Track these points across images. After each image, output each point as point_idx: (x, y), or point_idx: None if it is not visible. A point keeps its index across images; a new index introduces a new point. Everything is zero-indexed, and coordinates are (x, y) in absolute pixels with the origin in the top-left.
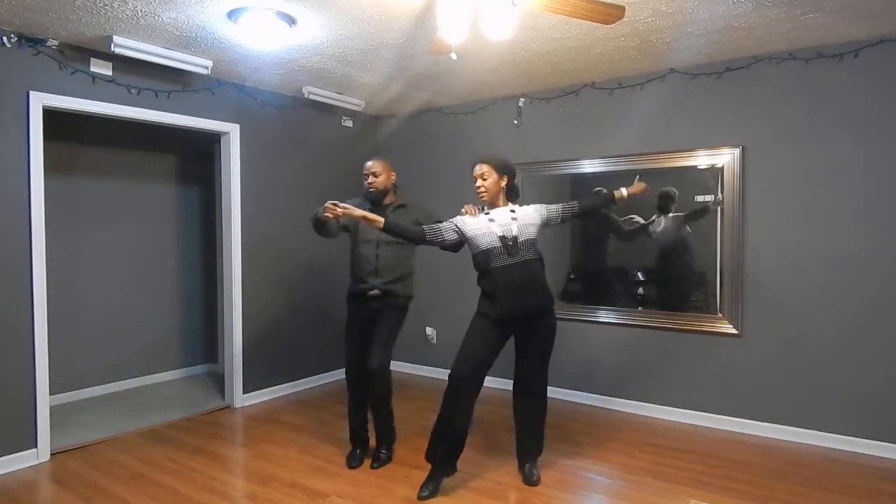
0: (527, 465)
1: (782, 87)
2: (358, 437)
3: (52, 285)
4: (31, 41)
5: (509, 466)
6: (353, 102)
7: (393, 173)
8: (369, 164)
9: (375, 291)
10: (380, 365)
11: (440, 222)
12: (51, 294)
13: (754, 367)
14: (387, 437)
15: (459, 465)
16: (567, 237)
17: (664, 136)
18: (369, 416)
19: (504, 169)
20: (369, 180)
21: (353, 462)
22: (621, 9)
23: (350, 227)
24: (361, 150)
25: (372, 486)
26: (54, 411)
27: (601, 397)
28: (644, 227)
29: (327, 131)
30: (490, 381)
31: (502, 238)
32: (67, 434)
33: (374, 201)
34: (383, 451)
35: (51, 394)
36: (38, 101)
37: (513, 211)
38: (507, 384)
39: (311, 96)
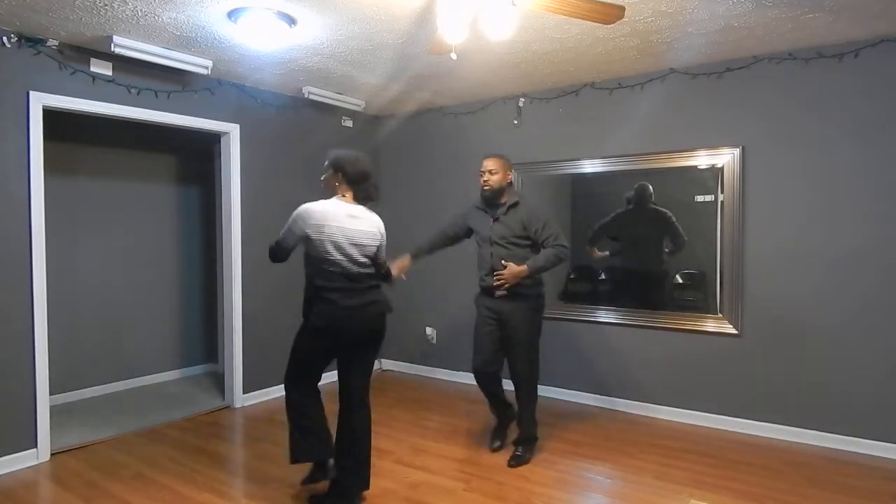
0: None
1: (782, 87)
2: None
3: (52, 285)
4: (31, 41)
5: (510, 466)
6: (353, 102)
7: (510, 172)
8: (486, 161)
9: (502, 292)
10: (520, 373)
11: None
12: (51, 294)
13: (754, 367)
14: (526, 436)
15: (459, 464)
16: (567, 238)
17: (664, 136)
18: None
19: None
20: (484, 178)
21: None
22: (621, 9)
23: (472, 228)
24: (361, 151)
25: (372, 486)
26: (54, 411)
27: (601, 397)
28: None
29: (327, 131)
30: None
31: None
32: (67, 434)
33: (489, 201)
34: (519, 450)
35: (51, 394)
36: (38, 101)
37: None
38: (505, 383)
39: (311, 96)
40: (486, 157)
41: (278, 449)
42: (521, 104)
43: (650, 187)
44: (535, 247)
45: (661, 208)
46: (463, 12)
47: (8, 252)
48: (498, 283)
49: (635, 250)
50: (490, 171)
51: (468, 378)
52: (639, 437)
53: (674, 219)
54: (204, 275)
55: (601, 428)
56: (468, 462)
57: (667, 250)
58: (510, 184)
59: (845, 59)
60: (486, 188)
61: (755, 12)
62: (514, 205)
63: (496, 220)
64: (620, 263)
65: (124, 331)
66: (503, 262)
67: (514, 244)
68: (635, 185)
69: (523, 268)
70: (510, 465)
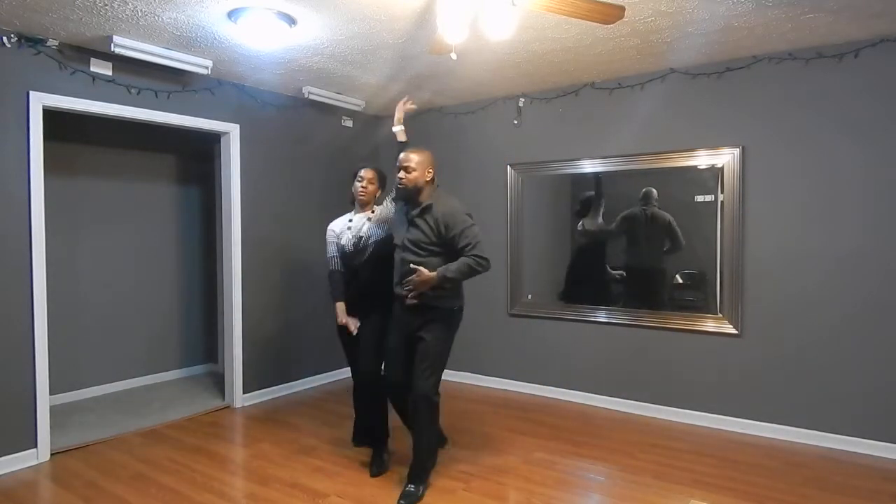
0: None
1: (782, 87)
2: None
3: (52, 285)
4: (31, 41)
5: (510, 466)
6: (353, 102)
7: (432, 169)
8: (402, 155)
9: (413, 301)
10: (418, 389)
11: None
12: (51, 294)
13: (754, 367)
14: (420, 469)
15: (458, 464)
16: (567, 238)
17: (664, 136)
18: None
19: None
20: (399, 175)
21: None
22: (621, 9)
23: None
24: (361, 150)
25: (372, 486)
26: (54, 411)
27: (601, 397)
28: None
29: (327, 131)
30: (485, 381)
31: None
32: (67, 434)
33: (407, 200)
34: (411, 486)
35: (51, 394)
36: (38, 101)
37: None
38: (505, 383)
39: (311, 96)
40: (407, 151)
41: (278, 449)
42: (521, 104)
43: (654, 191)
44: (453, 254)
45: (661, 212)
46: (463, 12)
47: (8, 252)
48: (407, 290)
49: (637, 251)
50: (405, 169)
51: (467, 378)
52: (639, 437)
53: (674, 223)
54: (204, 275)
55: (601, 428)
56: (467, 461)
57: (665, 249)
58: (432, 182)
59: (845, 59)
60: (399, 185)
61: (755, 12)
62: (428, 207)
63: (410, 222)
64: (622, 263)
65: (124, 331)
66: (413, 266)
67: (428, 251)
68: (642, 189)
69: (432, 275)
70: None
